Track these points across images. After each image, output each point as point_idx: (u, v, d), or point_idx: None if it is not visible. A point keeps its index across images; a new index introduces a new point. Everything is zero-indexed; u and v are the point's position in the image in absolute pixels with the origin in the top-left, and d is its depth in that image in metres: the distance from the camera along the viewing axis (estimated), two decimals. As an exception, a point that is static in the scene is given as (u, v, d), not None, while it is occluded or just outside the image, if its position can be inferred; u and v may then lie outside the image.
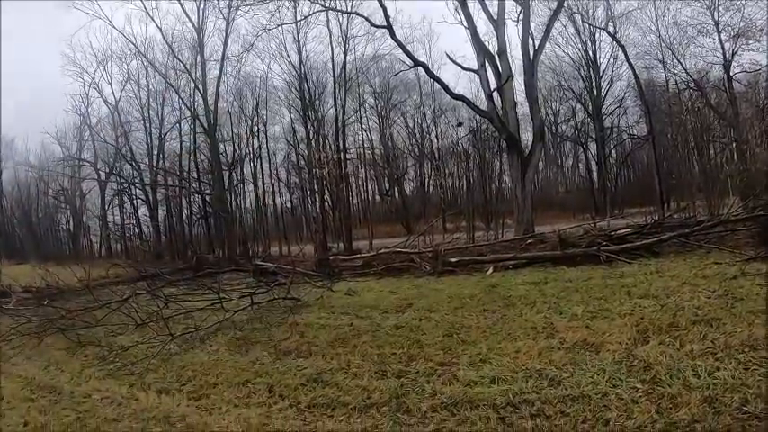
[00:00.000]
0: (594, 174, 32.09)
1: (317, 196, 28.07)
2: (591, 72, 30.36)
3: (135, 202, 35.61)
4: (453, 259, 13.85)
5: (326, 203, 27.21)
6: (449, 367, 5.72)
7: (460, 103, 22.50)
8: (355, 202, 34.81)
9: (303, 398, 5.44)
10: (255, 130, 31.41)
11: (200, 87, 28.43)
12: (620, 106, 31.18)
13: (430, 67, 22.02)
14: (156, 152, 32.30)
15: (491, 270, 12.83)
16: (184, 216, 32.49)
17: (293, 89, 29.61)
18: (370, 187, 37.32)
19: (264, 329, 8.92)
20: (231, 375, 6.58)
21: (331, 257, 17.81)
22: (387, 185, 36.01)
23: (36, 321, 12.30)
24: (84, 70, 33.27)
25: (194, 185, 30.74)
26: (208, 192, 29.76)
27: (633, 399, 4.21)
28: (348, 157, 29.80)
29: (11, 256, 44.18)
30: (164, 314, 9.86)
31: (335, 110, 28.07)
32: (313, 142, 28.31)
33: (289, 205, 35.41)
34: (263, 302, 10.57)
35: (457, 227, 23.93)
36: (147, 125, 32.43)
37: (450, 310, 8.64)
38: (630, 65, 26.79)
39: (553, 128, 33.68)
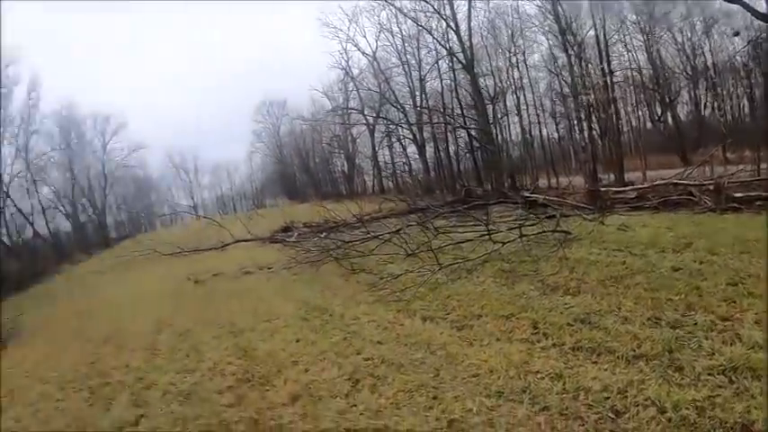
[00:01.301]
0: None
1: (584, 125, 26.56)
2: None
3: (403, 141, 38.01)
4: (738, 194, 12.16)
5: (594, 132, 25.69)
6: (731, 323, 5.12)
7: (735, 7, 19.01)
8: (625, 129, 32.26)
9: (568, 339, 5.34)
10: (514, 60, 30.47)
11: (452, 25, 28.63)
12: None
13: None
14: (418, 93, 33.85)
15: (786, 209, 10.96)
16: (451, 152, 33.48)
17: (547, 14, 27.59)
18: (639, 113, 34.15)
19: (532, 263, 8.84)
20: (496, 308, 6.75)
21: (602, 189, 16.91)
22: (658, 110, 32.58)
23: (314, 252, 14.01)
24: (338, 29, 36.48)
25: (459, 121, 31.33)
26: (473, 126, 30.15)
27: None
28: (614, 80, 27.47)
29: (292, 197, 52.22)
30: (433, 245, 10.39)
31: (595, 31, 25.87)
32: (575, 68, 26.48)
33: (555, 135, 33.83)
34: (532, 235, 10.45)
35: (740, 157, 20.87)
36: (407, 69, 34.12)
37: (734, 255, 7.56)
38: None
39: None
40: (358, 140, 44.03)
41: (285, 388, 5.56)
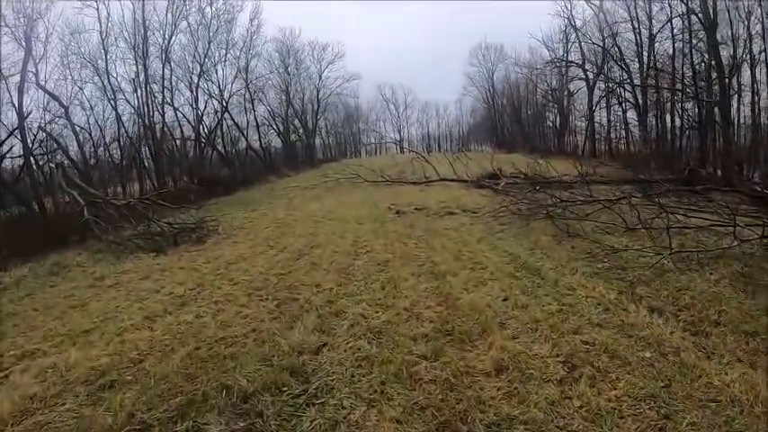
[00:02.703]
0: None
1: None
2: None
3: (624, 104, 35.08)
4: None
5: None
6: None
7: None
8: None
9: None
10: (757, 29, 25.87)
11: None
12: None
13: None
14: (646, 53, 30.76)
15: None
16: (675, 123, 30.07)
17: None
18: None
19: (775, 273, 7.39)
20: (736, 319, 5.63)
21: None
22: None
23: (525, 204, 13.30)
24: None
25: (689, 90, 27.86)
26: (704, 98, 26.65)
27: None
28: None
29: (499, 146, 52.07)
30: (657, 224, 9.33)
31: None
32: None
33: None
34: (770, 239, 8.86)
35: None
36: (635, 25, 31.10)
37: None
38: None
39: None
40: (575, 96, 42.09)
41: (489, 354, 5.01)
